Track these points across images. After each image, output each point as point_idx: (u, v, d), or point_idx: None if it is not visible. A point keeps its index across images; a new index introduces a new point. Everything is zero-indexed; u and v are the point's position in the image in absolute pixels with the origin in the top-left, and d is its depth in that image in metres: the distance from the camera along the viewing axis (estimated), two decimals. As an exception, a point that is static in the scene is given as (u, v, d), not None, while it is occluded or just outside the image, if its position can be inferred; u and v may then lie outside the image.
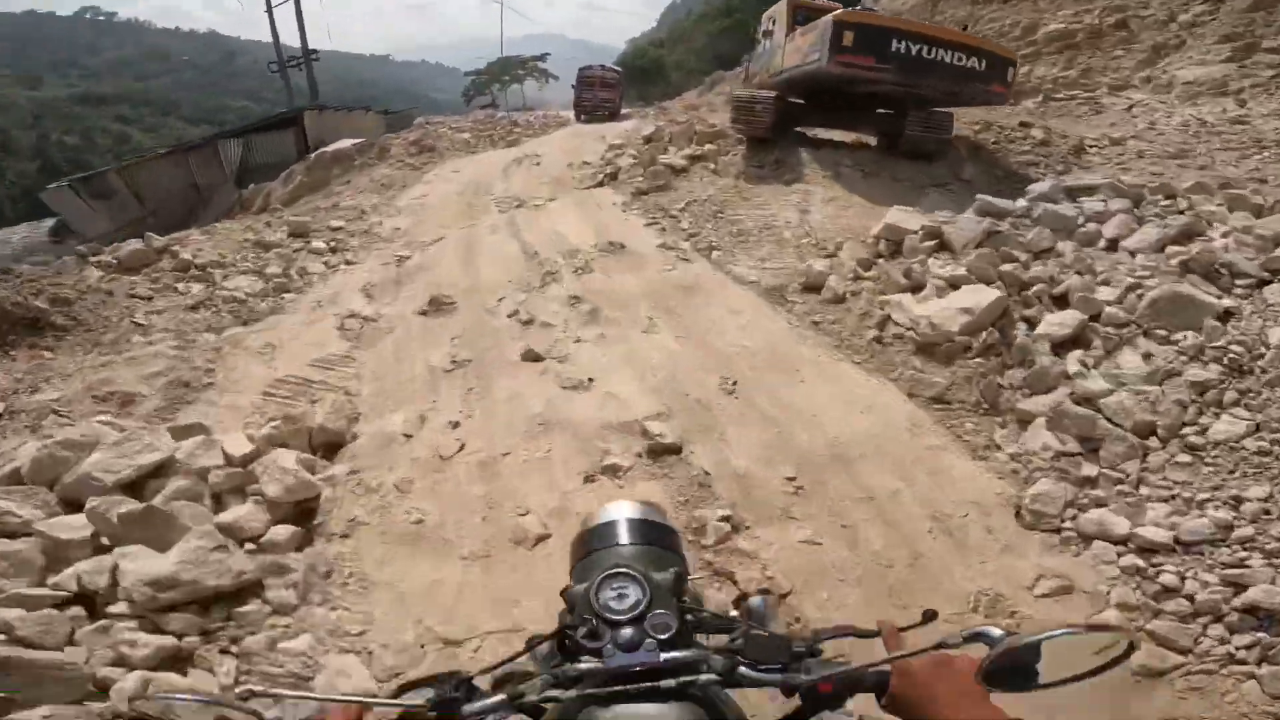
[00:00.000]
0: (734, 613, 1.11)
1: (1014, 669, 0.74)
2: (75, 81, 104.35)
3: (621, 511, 1.04)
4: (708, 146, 12.19)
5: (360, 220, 10.45)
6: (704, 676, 0.82)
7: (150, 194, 16.94)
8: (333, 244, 9.22)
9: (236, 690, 1.02)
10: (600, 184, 12.13)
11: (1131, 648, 0.72)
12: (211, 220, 16.33)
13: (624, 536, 1.00)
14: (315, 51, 25.67)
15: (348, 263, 8.60)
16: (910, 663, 0.80)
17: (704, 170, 11.32)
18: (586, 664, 0.83)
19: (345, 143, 16.74)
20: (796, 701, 0.88)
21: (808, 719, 0.89)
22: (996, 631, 0.79)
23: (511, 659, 0.95)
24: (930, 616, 0.87)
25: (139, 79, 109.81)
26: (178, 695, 0.84)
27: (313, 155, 14.61)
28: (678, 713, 0.78)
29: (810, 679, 0.85)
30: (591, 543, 1.01)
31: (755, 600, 1.09)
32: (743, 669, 0.86)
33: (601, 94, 25.48)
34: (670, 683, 0.80)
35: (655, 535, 1.01)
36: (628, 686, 0.80)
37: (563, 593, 0.93)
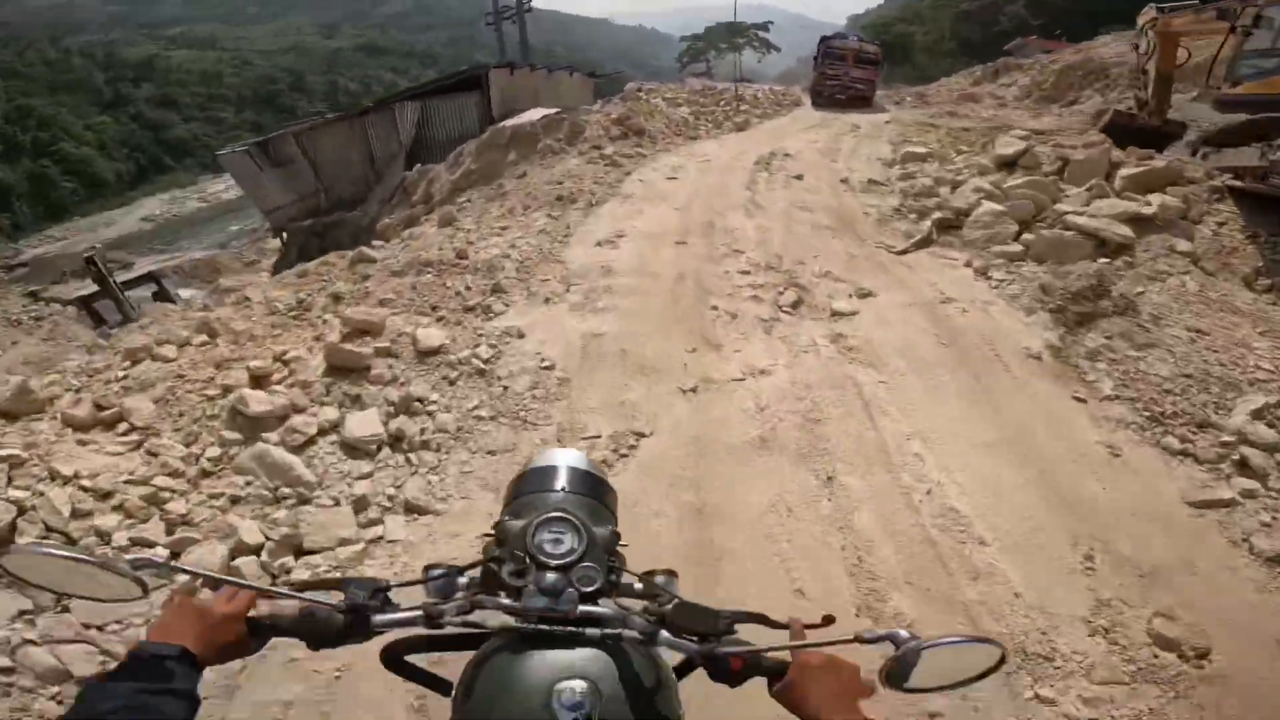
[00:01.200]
0: (638, 586, 0.93)
1: (909, 671, 0.78)
2: (362, 31, 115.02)
3: (567, 459, 0.98)
4: (1164, 200, 5.94)
5: (481, 316, 5.01)
6: (626, 633, 0.79)
7: (326, 164, 14.03)
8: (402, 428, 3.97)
9: (127, 558, 0.75)
10: (926, 242, 6.51)
11: (1004, 659, 0.79)
12: (379, 206, 12.98)
13: (565, 483, 0.94)
14: (528, 3, 21.80)
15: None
16: (809, 661, 0.81)
17: (1171, 256, 5.24)
18: (508, 601, 0.79)
19: (533, 114, 12.37)
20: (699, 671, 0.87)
21: (687, 673, 0.90)
22: (904, 634, 0.78)
23: (428, 579, 0.87)
24: (829, 620, 0.86)
25: (411, 32, 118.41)
26: (57, 551, 0.77)
27: (488, 132, 10.43)
28: (600, 658, 0.75)
29: (725, 651, 0.83)
30: (531, 482, 0.95)
31: (660, 578, 0.94)
32: (664, 633, 0.83)
33: (855, 72, 19.14)
34: (595, 633, 0.77)
35: (597, 489, 0.96)
36: (553, 628, 0.76)
37: (495, 525, 0.88)
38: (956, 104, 21.69)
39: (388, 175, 12.95)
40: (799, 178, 9.02)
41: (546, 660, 0.73)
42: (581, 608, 0.78)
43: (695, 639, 0.84)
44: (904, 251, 6.72)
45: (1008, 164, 8.04)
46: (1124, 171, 6.90)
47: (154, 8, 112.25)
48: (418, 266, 5.54)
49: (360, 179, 13.90)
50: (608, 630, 0.77)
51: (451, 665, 0.82)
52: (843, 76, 19.21)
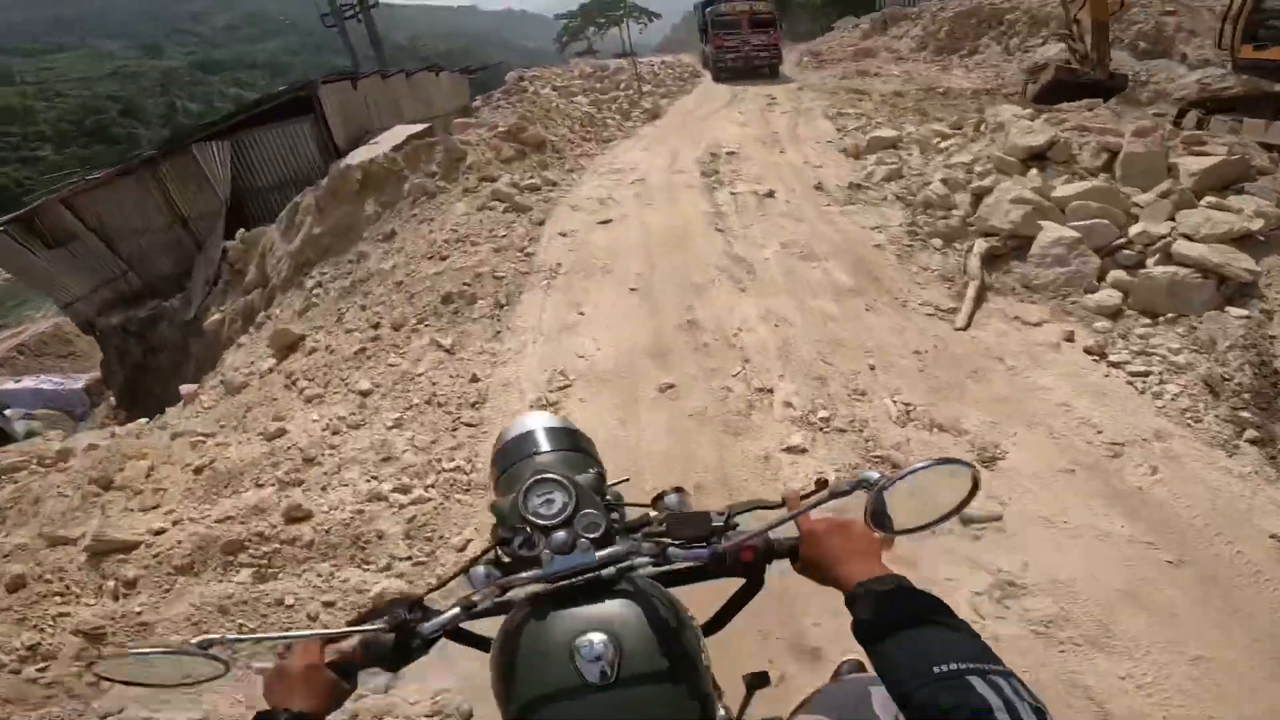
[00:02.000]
0: (652, 512, 0.94)
1: (887, 509, 0.76)
2: (193, 49, 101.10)
3: (538, 421, 0.99)
4: (1257, 204, 3.99)
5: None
6: (638, 562, 0.79)
7: (123, 235, 9.81)
8: None
9: (193, 641, 0.77)
10: (981, 294, 4.33)
11: (977, 481, 0.75)
12: (204, 289, 8.80)
13: (543, 444, 0.95)
14: (374, -5, 17.70)
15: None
16: (816, 528, 0.80)
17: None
18: (530, 573, 0.77)
19: (393, 134, 9.13)
20: (737, 582, 0.86)
21: (745, 601, 0.88)
22: (874, 475, 0.76)
23: (453, 577, 0.89)
24: (822, 484, 0.80)
25: (249, 43, 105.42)
26: (141, 650, 0.80)
27: (331, 173, 7.14)
28: (617, 609, 0.75)
29: (733, 545, 0.82)
30: (511, 455, 0.96)
31: (671, 497, 0.95)
32: (671, 549, 0.82)
33: (754, 39, 16.55)
34: (611, 571, 0.77)
35: (571, 441, 0.97)
36: (572, 580, 0.76)
37: (491, 507, 0.87)
38: (855, 61, 20.00)
39: (209, 242, 9.24)
40: (770, 195, 6.45)
41: (566, 617, 0.73)
42: (597, 554, 0.77)
43: (701, 545, 0.82)
44: (968, 323, 4.36)
45: (1035, 156, 5.88)
46: (1187, 165, 4.88)
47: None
48: (211, 548, 2.62)
49: (174, 247, 9.89)
50: (622, 567, 0.77)
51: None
52: (741, 46, 16.66)
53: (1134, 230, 4.47)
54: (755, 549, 0.83)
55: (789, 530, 0.82)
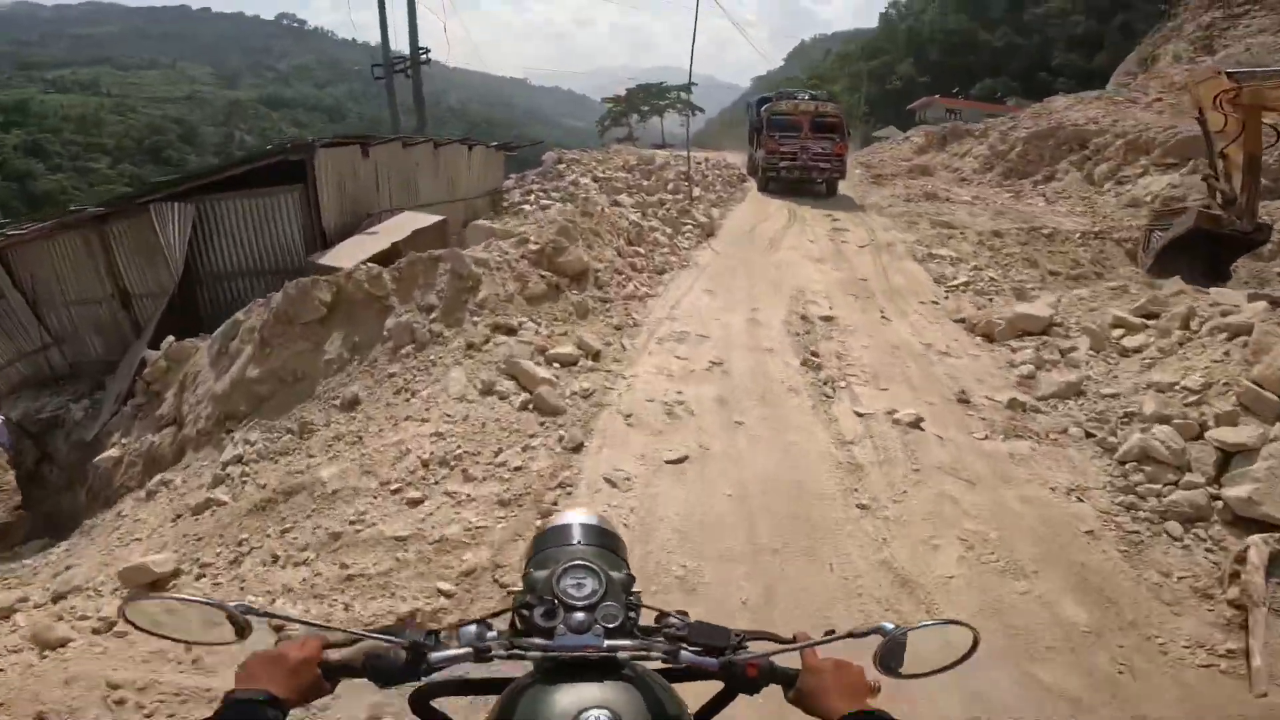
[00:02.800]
0: (669, 617, 0.93)
1: (899, 656, 0.83)
2: (267, 83, 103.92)
3: (578, 517, 1.00)
4: None
5: None
6: (652, 655, 0.81)
7: (53, 301, 7.60)
8: None
9: (232, 602, 0.81)
10: None
11: (977, 640, 0.82)
12: (116, 402, 6.35)
13: (581, 538, 0.95)
14: (426, 51, 16.31)
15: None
16: (819, 664, 0.84)
17: None
18: (541, 641, 0.79)
19: (396, 224, 7.06)
20: (719, 686, 0.88)
21: (728, 700, 0.90)
22: (890, 626, 0.82)
23: (470, 621, 0.86)
24: (830, 633, 0.87)
25: (317, 86, 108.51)
26: (184, 596, 0.84)
27: (290, 288, 4.93)
28: (621, 691, 0.75)
29: (742, 659, 0.85)
30: (550, 540, 0.96)
31: (674, 620, 0.92)
32: (684, 652, 0.84)
33: (815, 146, 13.39)
34: (625, 655, 0.78)
35: (608, 541, 0.97)
36: (585, 654, 0.77)
37: (524, 576, 0.89)
38: (912, 178, 18.37)
39: (147, 330, 6.98)
40: (918, 425, 4.14)
41: (572, 693, 0.73)
42: (607, 641, 0.79)
43: (713, 654, 0.85)
44: (1267, 687, 2.11)
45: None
46: None
47: (38, 48, 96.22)
48: None
49: (110, 327, 7.54)
50: (633, 659, 0.79)
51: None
52: (800, 153, 13.52)
53: None
54: (760, 667, 0.85)
55: (793, 661, 0.85)
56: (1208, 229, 6.40)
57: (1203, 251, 6.54)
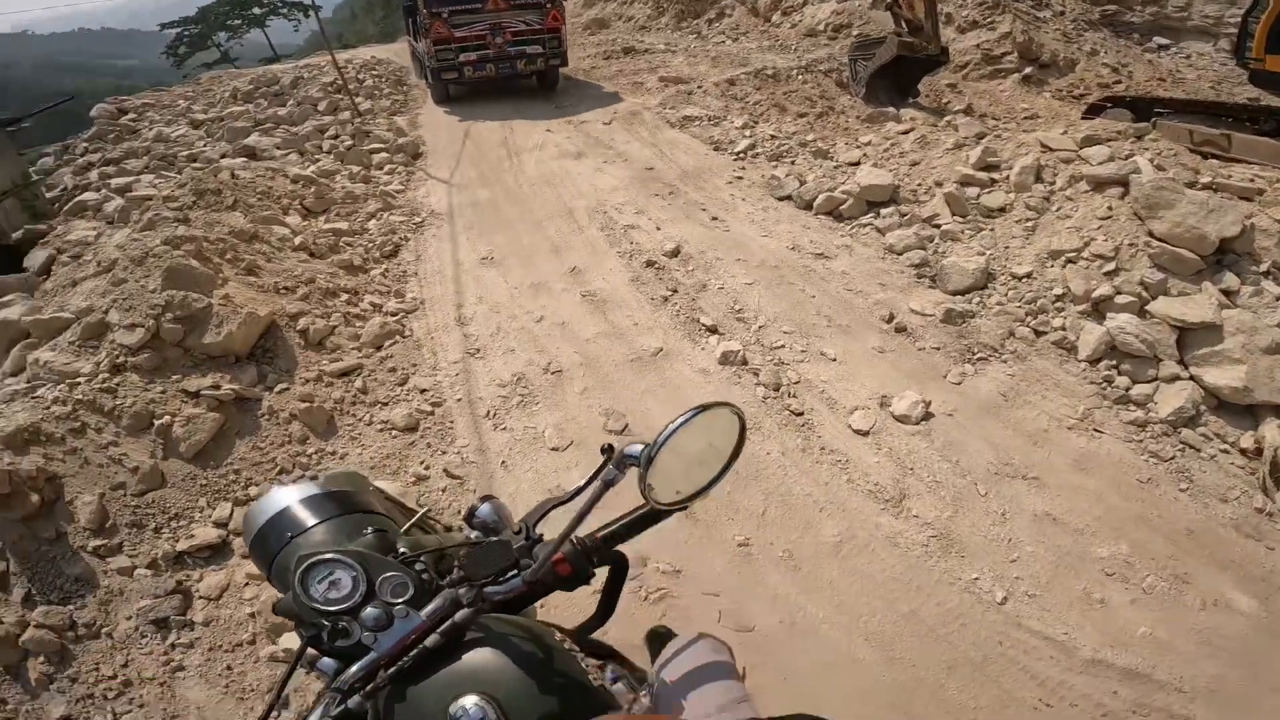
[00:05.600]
0: (469, 532, 0.80)
1: (667, 480, 0.66)
2: None
3: (288, 496, 0.83)
4: None
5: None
6: (461, 616, 0.67)
7: None
8: None
9: None
10: None
11: (743, 420, 0.68)
12: None
13: (304, 521, 0.80)
14: None
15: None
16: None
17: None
18: (361, 662, 0.66)
19: None
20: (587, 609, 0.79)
21: (619, 582, 0.81)
22: (638, 447, 0.65)
23: (273, 704, 0.69)
24: (608, 449, 0.68)
25: None
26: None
27: None
28: (480, 661, 0.65)
29: (541, 564, 0.70)
30: (270, 545, 0.79)
31: (483, 509, 0.81)
32: (488, 589, 0.70)
33: (514, 22, 8.51)
34: (436, 639, 0.65)
35: (334, 505, 0.81)
36: (414, 654, 0.65)
37: (274, 609, 0.73)
38: (590, 33, 16.31)
39: None
40: (927, 415, 2.81)
41: (429, 689, 0.63)
42: (424, 612, 0.68)
43: (512, 573, 0.71)
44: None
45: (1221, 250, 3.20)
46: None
47: None
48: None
49: None
50: (457, 624, 0.66)
51: None
52: (491, 36, 8.58)
53: None
54: (570, 560, 0.74)
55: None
56: (905, 55, 7.03)
57: (898, 74, 7.30)
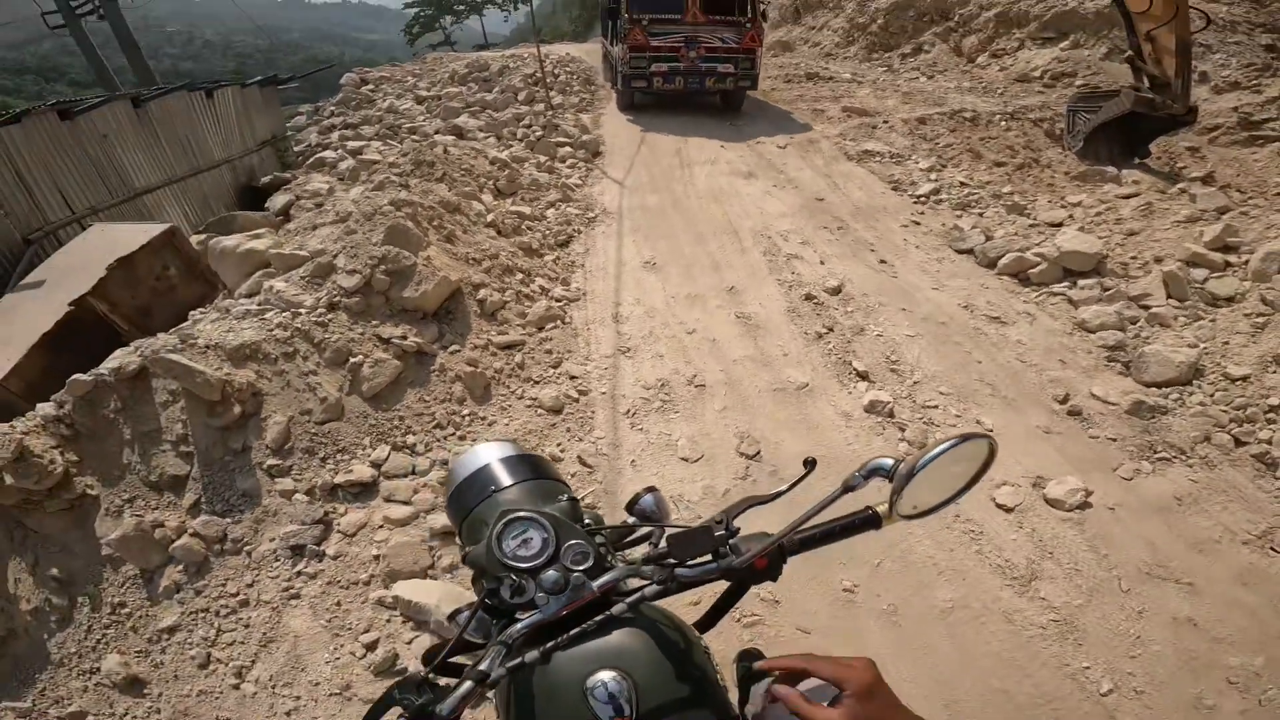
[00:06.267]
0: (630, 519, 0.83)
1: (911, 495, 0.66)
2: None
3: (490, 454, 0.86)
4: None
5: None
6: (648, 589, 0.69)
7: None
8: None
9: None
10: None
11: (994, 451, 0.67)
12: None
13: (502, 479, 0.82)
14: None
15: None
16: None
17: None
18: (526, 619, 0.67)
19: (56, 280, 3.78)
20: (723, 584, 0.76)
21: (740, 595, 0.80)
22: (888, 462, 0.67)
23: (447, 644, 0.69)
24: (811, 464, 0.71)
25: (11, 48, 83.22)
26: None
27: None
28: (625, 640, 0.66)
29: (745, 558, 0.71)
30: (468, 498, 0.82)
31: (646, 500, 0.83)
32: (679, 570, 0.71)
33: (710, 38, 8.31)
34: (622, 607, 0.66)
35: (533, 470, 0.84)
36: (584, 626, 0.64)
37: (463, 559, 0.75)
38: (773, 55, 16.11)
39: None
40: (1085, 502, 2.45)
41: (572, 658, 0.64)
42: (595, 583, 0.69)
43: (709, 560, 0.72)
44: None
45: None
46: None
47: None
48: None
49: None
50: (631, 599, 0.67)
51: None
52: (686, 50, 8.42)
53: None
54: (767, 556, 0.73)
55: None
56: (1143, 111, 6.34)
57: (1126, 132, 6.65)
